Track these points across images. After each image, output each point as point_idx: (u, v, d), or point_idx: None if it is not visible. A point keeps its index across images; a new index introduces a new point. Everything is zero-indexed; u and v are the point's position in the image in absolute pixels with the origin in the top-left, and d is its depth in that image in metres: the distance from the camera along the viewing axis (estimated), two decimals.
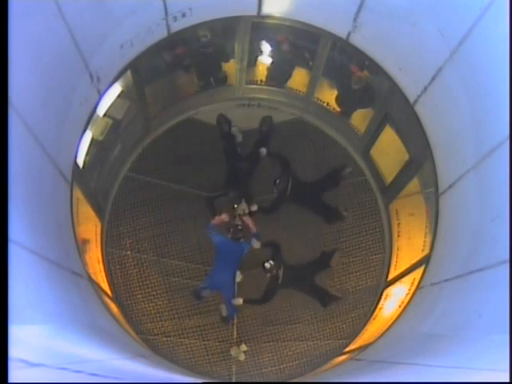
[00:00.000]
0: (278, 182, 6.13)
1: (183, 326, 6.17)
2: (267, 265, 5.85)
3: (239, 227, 5.83)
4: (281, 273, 5.89)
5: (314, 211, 6.34)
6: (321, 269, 6.20)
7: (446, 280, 4.07)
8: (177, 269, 6.24)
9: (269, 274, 5.91)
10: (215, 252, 6.00)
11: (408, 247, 5.77)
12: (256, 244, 5.92)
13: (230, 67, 6.16)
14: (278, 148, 6.53)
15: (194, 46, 5.70)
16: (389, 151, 5.94)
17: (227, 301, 5.93)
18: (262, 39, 5.87)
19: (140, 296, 6.14)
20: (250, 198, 6.29)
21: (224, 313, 6.04)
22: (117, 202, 6.23)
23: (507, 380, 2.03)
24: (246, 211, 6.22)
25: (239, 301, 5.89)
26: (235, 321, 6.19)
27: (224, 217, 5.83)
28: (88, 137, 4.80)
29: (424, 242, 5.07)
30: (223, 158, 6.43)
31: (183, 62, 5.97)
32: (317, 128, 6.65)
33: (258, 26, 5.42)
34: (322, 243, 6.40)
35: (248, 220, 5.91)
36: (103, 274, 5.85)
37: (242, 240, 5.86)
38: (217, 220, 5.81)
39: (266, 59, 6.16)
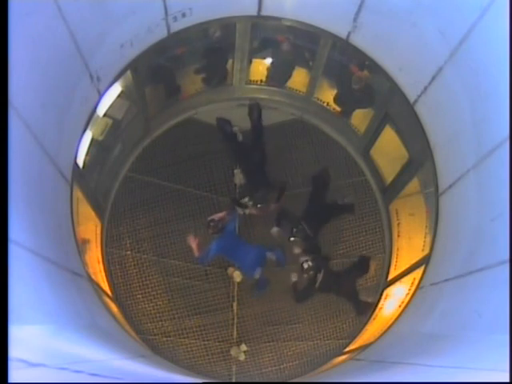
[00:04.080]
0: (294, 230, 5.84)
1: (183, 326, 6.17)
2: (305, 265, 5.63)
3: (215, 219, 5.62)
4: (320, 276, 5.66)
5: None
6: (360, 274, 6.09)
7: (446, 280, 4.08)
8: (177, 269, 6.24)
9: (306, 275, 5.68)
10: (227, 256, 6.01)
11: (408, 247, 5.77)
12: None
13: (230, 67, 6.16)
14: (277, 152, 6.50)
15: (198, 43, 5.69)
16: (389, 151, 5.93)
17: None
18: (262, 39, 5.86)
19: (140, 296, 6.14)
20: (272, 187, 6.18)
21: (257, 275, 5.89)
22: (117, 202, 6.23)
23: (507, 380, 2.03)
24: (242, 181, 6.24)
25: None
26: (235, 321, 6.19)
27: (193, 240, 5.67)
28: (88, 137, 4.80)
29: (424, 242, 5.07)
30: (233, 161, 6.40)
31: (185, 62, 5.97)
32: (317, 128, 6.64)
33: (258, 26, 5.42)
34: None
35: (219, 215, 5.73)
36: (103, 273, 5.85)
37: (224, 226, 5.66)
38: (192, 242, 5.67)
39: (266, 59, 6.16)
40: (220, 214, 5.69)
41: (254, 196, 6.09)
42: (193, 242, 5.63)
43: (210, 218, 5.64)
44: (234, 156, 6.39)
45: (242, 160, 6.31)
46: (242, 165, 6.33)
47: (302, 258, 5.72)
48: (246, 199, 6.13)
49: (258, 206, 6.13)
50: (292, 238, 6.03)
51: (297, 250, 5.91)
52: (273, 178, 6.22)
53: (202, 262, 5.85)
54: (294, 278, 5.91)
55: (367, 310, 6.08)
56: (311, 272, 5.66)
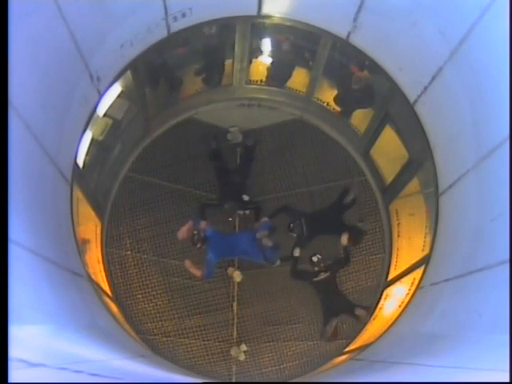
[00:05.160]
0: (291, 225, 6.01)
1: (183, 326, 6.17)
2: (314, 258, 5.86)
3: (195, 232, 5.58)
4: (323, 275, 5.88)
5: (337, 234, 6.18)
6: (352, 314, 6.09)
7: (446, 280, 4.08)
8: (177, 269, 6.24)
9: (316, 268, 5.90)
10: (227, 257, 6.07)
11: (408, 247, 5.77)
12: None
13: (230, 67, 6.16)
14: (277, 152, 6.60)
15: (198, 43, 5.69)
16: (389, 151, 5.93)
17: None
18: (262, 39, 5.86)
19: (140, 296, 6.14)
20: (245, 205, 6.32)
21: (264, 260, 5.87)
22: (117, 202, 6.22)
23: (507, 380, 2.03)
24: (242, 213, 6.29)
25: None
26: (235, 321, 6.19)
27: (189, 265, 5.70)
28: (88, 137, 4.79)
29: (424, 242, 5.06)
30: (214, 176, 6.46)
31: (185, 62, 5.97)
32: (317, 128, 6.64)
33: (258, 26, 5.42)
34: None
35: (186, 227, 5.69)
36: (103, 273, 5.85)
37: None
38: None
39: (265, 59, 6.16)
40: (188, 225, 5.65)
41: (223, 206, 6.19)
42: (190, 266, 5.66)
43: (181, 235, 5.65)
44: (216, 171, 6.45)
45: (222, 176, 6.37)
46: (222, 181, 6.38)
47: (313, 253, 5.93)
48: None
49: (230, 219, 6.30)
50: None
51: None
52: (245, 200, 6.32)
53: (208, 278, 5.77)
54: (296, 253, 6.05)
55: (330, 337, 6.08)
56: (321, 265, 5.86)
